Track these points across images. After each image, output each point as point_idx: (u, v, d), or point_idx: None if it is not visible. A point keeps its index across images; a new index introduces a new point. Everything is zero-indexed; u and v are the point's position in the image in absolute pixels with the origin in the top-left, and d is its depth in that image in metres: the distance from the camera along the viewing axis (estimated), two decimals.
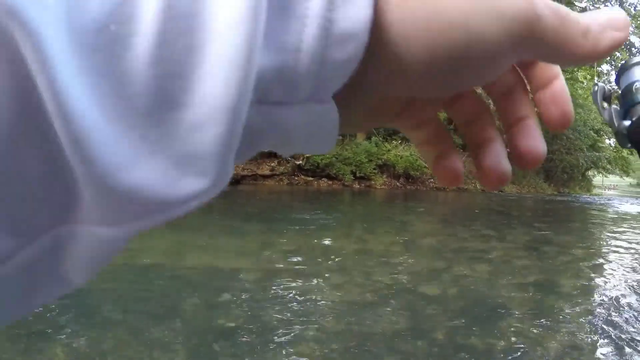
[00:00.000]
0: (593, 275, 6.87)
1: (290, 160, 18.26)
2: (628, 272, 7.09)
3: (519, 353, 4.03)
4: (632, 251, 9.02)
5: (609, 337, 4.44)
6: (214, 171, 0.25)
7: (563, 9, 0.29)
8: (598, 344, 4.31)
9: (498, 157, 0.36)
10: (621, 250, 8.96)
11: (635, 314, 5.06)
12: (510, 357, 3.96)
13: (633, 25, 23.54)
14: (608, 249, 9.31)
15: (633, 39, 24.14)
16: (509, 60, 0.30)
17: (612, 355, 4.13)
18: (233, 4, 0.24)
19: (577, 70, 23.98)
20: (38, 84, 0.21)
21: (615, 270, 7.15)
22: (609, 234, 11.68)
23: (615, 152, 34.30)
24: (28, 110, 0.22)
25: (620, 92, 0.50)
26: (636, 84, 0.48)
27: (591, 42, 0.30)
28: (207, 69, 0.24)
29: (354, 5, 0.26)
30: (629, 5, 24.00)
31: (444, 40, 0.27)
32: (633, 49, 24.14)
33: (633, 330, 4.62)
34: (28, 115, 0.22)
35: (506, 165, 0.36)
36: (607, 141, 35.06)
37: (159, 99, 0.23)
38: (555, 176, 29.60)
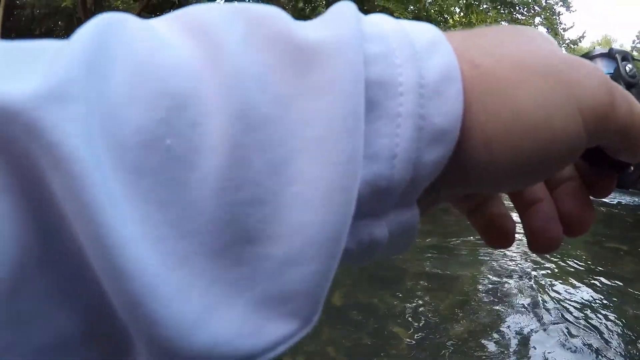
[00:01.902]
0: None
1: None
2: None
3: None
4: None
5: None
6: (306, 311, 0.21)
7: (631, 96, 0.29)
8: None
9: (547, 218, 0.34)
10: None
11: None
12: None
13: (542, 17, 24.37)
14: None
15: (541, 28, 24.93)
16: (582, 151, 0.27)
17: None
18: (326, 105, 0.21)
19: None
20: (73, 225, 0.18)
21: None
22: None
23: None
24: (53, 258, 0.19)
25: None
26: None
27: None
28: (298, 191, 0.20)
29: (445, 98, 0.24)
30: None
31: (528, 143, 0.25)
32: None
33: None
34: (54, 263, 0.19)
35: (556, 228, 0.34)
36: None
37: (235, 232, 0.20)
38: None
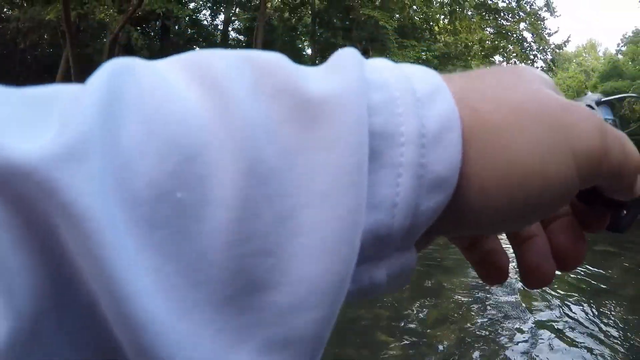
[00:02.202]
0: None
1: None
2: None
3: None
4: None
5: None
6: (309, 355, 0.22)
7: (624, 138, 0.29)
8: None
9: (541, 255, 0.34)
10: None
11: None
12: None
13: (527, 22, 24.49)
14: None
15: (525, 34, 25.09)
16: (575, 194, 0.28)
17: None
18: (332, 160, 0.22)
19: (471, 60, 24.72)
20: (87, 277, 0.19)
21: None
22: None
23: None
24: (67, 308, 0.19)
25: None
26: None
27: (639, 183, 0.31)
28: (303, 242, 0.21)
29: (445, 146, 0.25)
30: (525, 3, 24.91)
31: (522, 190, 0.26)
32: (525, 43, 25.06)
33: None
34: (68, 313, 0.19)
35: (549, 265, 0.35)
36: None
37: (243, 282, 0.20)
38: None
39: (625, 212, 0.37)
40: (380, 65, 0.27)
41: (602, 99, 0.51)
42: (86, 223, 0.18)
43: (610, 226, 0.38)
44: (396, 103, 0.24)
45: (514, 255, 0.37)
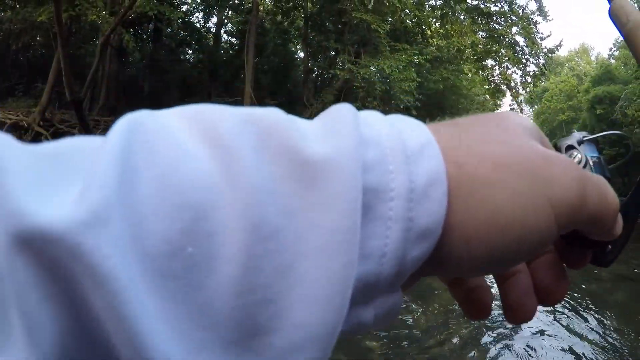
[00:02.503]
0: None
1: None
2: None
3: None
4: None
5: None
6: None
7: (603, 184, 0.32)
8: None
9: (523, 292, 0.36)
10: None
11: None
12: None
13: (519, 26, 24.54)
14: None
15: (518, 38, 25.16)
16: (554, 240, 0.30)
17: None
18: (328, 219, 0.24)
19: (464, 64, 24.79)
20: (107, 327, 0.20)
21: None
22: None
23: None
24: (87, 355, 0.21)
25: None
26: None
27: (618, 226, 0.34)
28: (301, 292, 0.23)
29: (431, 200, 0.27)
30: (517, 8, 24.97)
31: (502, 239, 0.28)
32: (517, 47, 25.12)
33: None
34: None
35: (532, 301, 0.36)
36: None
37: (246, 327, 0.22)
38: None
39: (610, 247, 0.38)
40: (373, 120, 0.29)
41: (585, 138, 0.52)
42: (111, 283, 0.19)
43: (596, 261, 0.39)
44: (388, 160, 0.27)
45: (497, 290, 0.38)
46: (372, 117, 0.29)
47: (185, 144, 0.24)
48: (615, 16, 0.64)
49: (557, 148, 0.53)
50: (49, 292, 0.20)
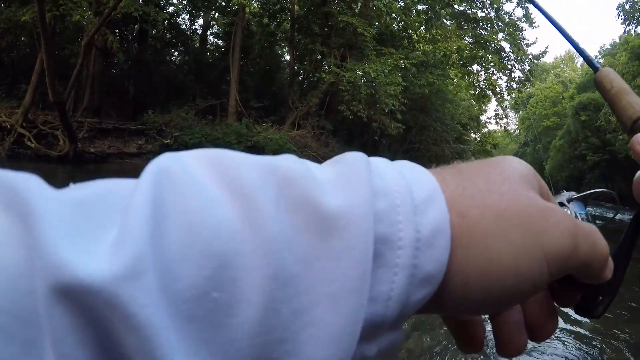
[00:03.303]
0: None
1: (158, 139, 17.66)
2: None
3: None
4: None
5: None
6: None
7: (594, 233, 0.35)
8: None
9: (514, 328, 0.39)
10: None
11: None
12: None
13: (505, 32, 24.67)
14: None
15: (504, 44, 25.29)
16: (546, 285, 0.33)
17: None
18: (342, 269, 0.26)
19: (449, 69, 24.90)
20: None
21: None
22: None
23: (479, 145, 35.89)
24: None
25: None
26: None
27: (608, 269, 0.36)
28: (314, 334, 0.25)
29: (435, 249, 0.29)
30: (504, 14, 25.09)
31: (498, 285, 0.30)
32: (503, 53, 25.25)
33: None
34: None
35: (522, 337, 0.39)
36: (472, 135, 36.93)
37: None
38: (421, 165, 29.98)
39: (601, 298, 0.41)
40: (384, 170, 0.31)
41: (574, 197, 0.56)
42: (146, 329, 0.21)
43: (587, 313, 0.42)
44: (397, 211, 0.29)
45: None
46: (383, 166, 0.31)
47: (211, 192, 0.26)
48: (600, 83, 0.71)
49: None
50: (85, 336, 0.22)
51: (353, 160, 0.30)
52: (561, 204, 0.54)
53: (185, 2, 24.45)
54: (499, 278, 0.30)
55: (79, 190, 0.26)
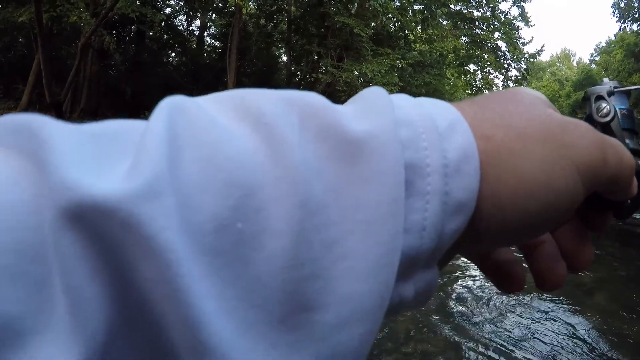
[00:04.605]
0: None
1: None
2: None
3: None
4: None
5: None
6: None
7: (619, 146, 0.34)
8: None
9: (551, 259, 0.38)
10: None
11: None
12: None
13: (501, 32, 24.70)
14: None
15: (500, 43, 25.31)
16: (581, 201, 0.32)
17: None
18: (373, 193, 0.24)
19: (446, 68, 24.92)
20: (156, 305, 0.20)
21: None
22: None
23: None
24: (135, 341, 0.21)
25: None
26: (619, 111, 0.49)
27: (634, 185, 0.36)
28: (349, 266, 0.23)
29: (465, 175, 0.28)
30: (499, 13, 25.11)
31: (534, 204, 0.29)
32: (499, 52, 25.29)
33: None
34: (135, 340, 0.21)
35: (561, 266, 0.38)
36: None
37: (294, 303, 0.22)
38: None
39: (629, 201, 0.39)
40: (404, 103, 0.30)
41: (616, 89, 0.51)
42: (167, 255, 0.19)
43: (615, 215, 0.41)
44: (421, 138, 0.28)
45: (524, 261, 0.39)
46: (402, 100, 0.30)
47: (228, 125, 0.24)
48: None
49: (587, 97, 0.52)
50: (97, 267, 0.20)
51: (372, 92, 0.29)
52: (599, 98, 0.51)
53: (182, 4, 24.48)
54: (534, 196, 0.29)
55: (93, 125, 0.24)
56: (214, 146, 0.23)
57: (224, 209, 0.21)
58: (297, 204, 0.23)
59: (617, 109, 0.50)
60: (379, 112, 0.27)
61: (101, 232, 0.20)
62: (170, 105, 0.24)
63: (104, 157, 0.22)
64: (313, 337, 0.23)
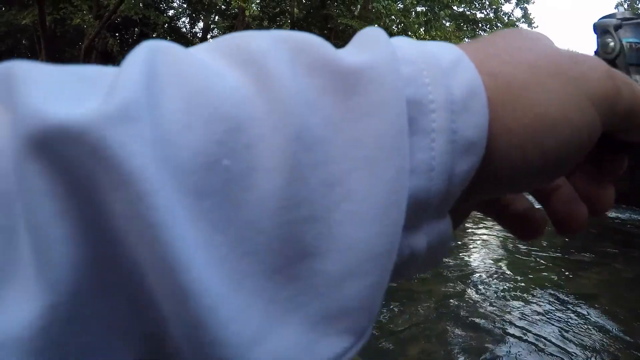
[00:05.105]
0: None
1: None
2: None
3: None
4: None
5: None
6: (361, 325, 0.22)
7: (631, 80, 0.32)
8: None
9: (570, 201, 0.36)
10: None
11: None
12: None
13: None
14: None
15: None
16: (599, 135, 0.30)
17: None
18: (374, 126, 0.22)
19: None
20: (132, 248, 0.18)
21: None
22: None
23: None
24: (108, 284, 0.18)
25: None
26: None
27: None
28: (352, 208, 0.21)
29: (472, 112, 0.26)
30: (503, 15, 25.13)
31: (552, 138, 0.27)
32: None
33: None
34: (109, 290, 0.18)
35: (581, 208, 0.36)
36: None
37: (292, 250, 0.20)
38: None
39: None
40: (404, 44, 0.28)
41: (626, 20, 0.46)
42: (139, 184, 0.17)
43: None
44: (424, 74, 0.25)
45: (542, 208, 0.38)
46: (401, 41, 0.28)
47: (214, 62, 0.23)
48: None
49: (595, 27, 0.50)
50: (65, 203, 0.17)
51: (369, 30, 0.27)
52: (605, 32, 0.47)
53: (185, 6, 24.52)
54: (551, 131, 0.28)
55: (69, 66, 0.21)
56: (199, 82, 0.21)
57: (208, 144, 0.19)
58: (291, 138, 0.21)
59: (623, 42, 0.46)
60: (376, 45, 0.25)
61: (69, 162, 0.17)
62: (150, 46, 0.22)
63: (81, 90, 0.20)
64: (315, 289, 0.21)
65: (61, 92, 0.19)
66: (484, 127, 0.26)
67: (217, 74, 0.22)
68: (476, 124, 0.26)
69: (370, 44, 0.26)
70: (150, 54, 0.21)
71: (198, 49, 0.24)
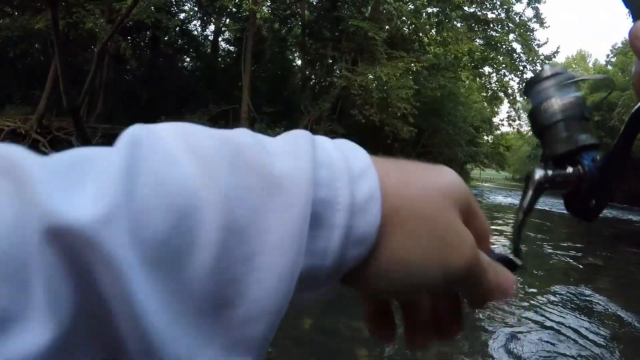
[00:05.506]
0: None
1: None
2: None
3: None
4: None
5: None
6: (257, 352, 0.31)
7: (490, 262, 0.41)
8: None
9: (420, 321, 0.45)
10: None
11: None
12: None
13: (516, 33, 24.59)
14: None
15: (515, 45, 25.21)
16: (447, 285, 0.38)
17: None
18: (284, 221, 0.31)
19: (461, 71, 24.81)
20: (111, 305, 0.26)
21: None
22: None
23: (492, 147, 35.65)
24: (94, 330, 0.27)
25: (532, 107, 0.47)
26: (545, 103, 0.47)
27: (498, 294, 0.42)
28: (259, 277, 0.30)
29: (368, 213, 0.34)
30: (514, 15, 25.01)
31: (409, 277, 0.36)
32: (514, 54, 25.18)
33: None
34: (94, 334, 0.27)
35: (425, 333, 0.45)
36: (485, 137, 36.62)
37: (217, 299, 0.29)
38: None
39: (594, 202, 0.41)
40: (326, 146, 0.36)
41: (569, 81, 0.47)
42: (120, 267, 0.25)
43: (581, 216, 0.43)
44: (337, 178, 0.34)
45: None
46: (325, 143, 0.36)
47: (176, 156, 0.30)
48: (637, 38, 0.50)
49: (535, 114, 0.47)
50: (70, 274, 0.25)
51: (298, 135, 0.35)
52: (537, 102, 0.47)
53: (196, 9, 24.58)
54: (410, 274, 0.36)
55: (61, 156, 0.29)
56: (163, 174, 0.29)
57: (165, 227, 0.27)
58: (223, 226, 0.29)
59: (572, 97, 0.47)
60: (300, 154, 0.33)
61: (73, 248, 0.25)
62: (132, 136, 0.30)
63: (74, 185, 0.27)
64: (229, 328, 0.29)
65: (62, 189, 0.27)
66: (375, 226, 0.34)
67: (178, 165, 0.30)
68: (369, 223, 0.34)
69: (297, 151, 0.34)
70: (130, 146, 0.29)
71: (168, 135, 0.31)
